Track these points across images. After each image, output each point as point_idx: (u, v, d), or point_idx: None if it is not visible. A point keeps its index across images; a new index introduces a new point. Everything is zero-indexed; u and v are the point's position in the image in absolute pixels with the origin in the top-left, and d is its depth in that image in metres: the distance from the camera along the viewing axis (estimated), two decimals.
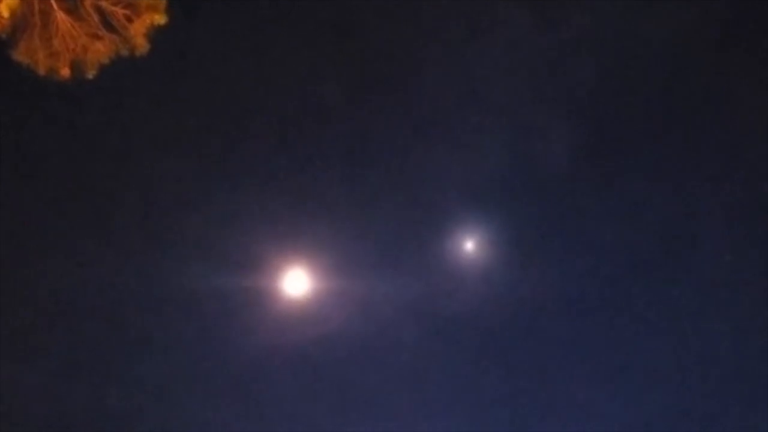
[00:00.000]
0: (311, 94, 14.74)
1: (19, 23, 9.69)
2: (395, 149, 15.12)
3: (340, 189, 15.07)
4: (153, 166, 14.47)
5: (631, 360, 15.72)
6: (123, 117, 14.08)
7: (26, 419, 14.45)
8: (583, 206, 15.61)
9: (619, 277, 15.69)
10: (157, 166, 14.46)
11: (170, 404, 15.00)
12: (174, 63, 13.05)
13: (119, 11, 10.11)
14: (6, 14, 8.63)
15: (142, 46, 10.23)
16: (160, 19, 10.17)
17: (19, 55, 10.00)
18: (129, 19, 10.15)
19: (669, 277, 15.60)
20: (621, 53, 15.04)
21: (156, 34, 10.26)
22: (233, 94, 14.53)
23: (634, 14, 14.79)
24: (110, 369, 14.72)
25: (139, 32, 10.16)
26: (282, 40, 14.48)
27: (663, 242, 15.57)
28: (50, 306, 14.57)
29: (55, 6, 9.85)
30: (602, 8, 14.75)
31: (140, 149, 14.34)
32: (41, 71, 10.08)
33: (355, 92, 14.88)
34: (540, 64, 15.12)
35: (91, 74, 10.23)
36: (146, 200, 14.63)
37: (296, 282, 14.98)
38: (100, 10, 10.08)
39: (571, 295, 15.71)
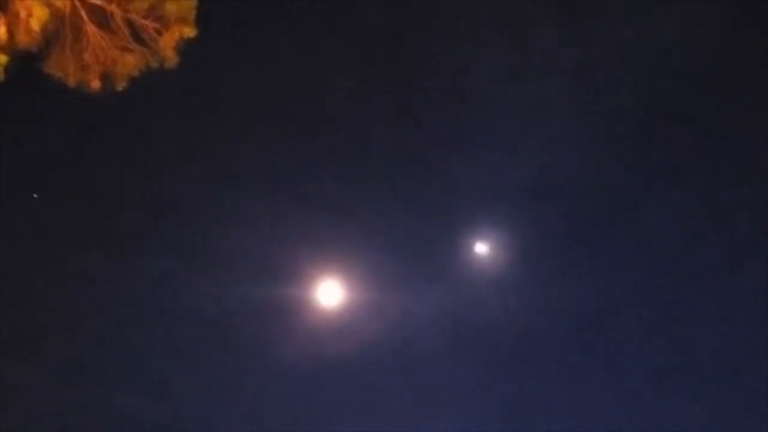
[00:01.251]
0: (345, 107, 14.78)
1: (51, 36, 9.73)
2: (427, 161, 15.15)
3: (372, 201, 15.12)
4: (183, 177, 14.60)
5: (660, 371, 15.57)
6: (153, 128, 14.21)
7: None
8: (611, 217, 15.54)
9: (650, 289, 15.58)
10: (187, 177, 14.59)
11: (201, 416, 15.06)
12: (203, 74, 13.11)
13: (149, 24, 10.13)
14: (36, 28, 8.66)
15: (171, 58, 10.23)
16: (190, 32, 10.16)
17: (50, 68, 10.06)
18: (159, 32, 10.16)
19: (703, 288, 15.42)
20: (653, 64, 14.93)
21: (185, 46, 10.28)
22: (265, 105, 14.62)
23: (664, 24, 14.65)
24: (143, 381, 14.80)
25: (168, 45, 10.16)
26: (315, 51, 14.54)
27: (696, 255, 15.41)
28: (83, 315, 14.62)
29: (86, 19, 9.89)
30: (633, 19, 14.68)
31: (170, 160, 14.42)
32: (71, 83, 10.13)
33: (390, 106, 14.98)
34: (569, 73, 15.05)
35: (120, 86, 10.26)
36: (177, 211, 14.71)
37: (329, 293, 15.10)
38: (130, 23, 10.10)
39: (601, 305, 15.58)
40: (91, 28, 9.97)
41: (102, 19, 10.02)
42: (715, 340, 15.29)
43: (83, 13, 9.85)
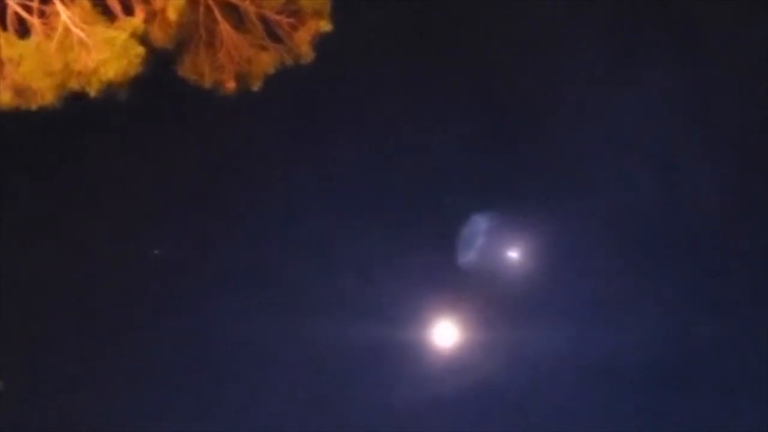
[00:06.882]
0: (461, 138, 14.93)
1: (185, 38, 9.46)
2: (536, 197, 15.18)
3: (487, 241, 15.20)
4: (306, 218, 14.90)
5: None
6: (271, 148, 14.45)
7: None
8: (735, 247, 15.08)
9: None
10: (302, 221, 14.93)
11: None
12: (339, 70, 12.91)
13: (284, 20, 9.75)
14: (173, 17, 8.29)
15: (307, 54, 9.83)
16: (325, 26, 9.74)
17: (184, 71, 9.82)
18: (294, 28, 9.76)
19: None
20: None
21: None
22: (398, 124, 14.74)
23: None
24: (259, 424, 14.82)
25: (303, 40, 9.77)
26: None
27: None
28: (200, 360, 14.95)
29: (220, 19, 9.59)
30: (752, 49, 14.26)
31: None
32: (206, 85, 9.85)
33: (505, 136, 15.03)
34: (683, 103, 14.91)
35: (255, 86, 9.89)
36: (296, 254, 14.89)
37: (445, 333, 15.32)
38: (264, 20, 9.75)
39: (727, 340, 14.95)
40: (225, 26, 9.67)
41: (236, 17, 9.71)
42: None
43: (217, 13, 9.54)
